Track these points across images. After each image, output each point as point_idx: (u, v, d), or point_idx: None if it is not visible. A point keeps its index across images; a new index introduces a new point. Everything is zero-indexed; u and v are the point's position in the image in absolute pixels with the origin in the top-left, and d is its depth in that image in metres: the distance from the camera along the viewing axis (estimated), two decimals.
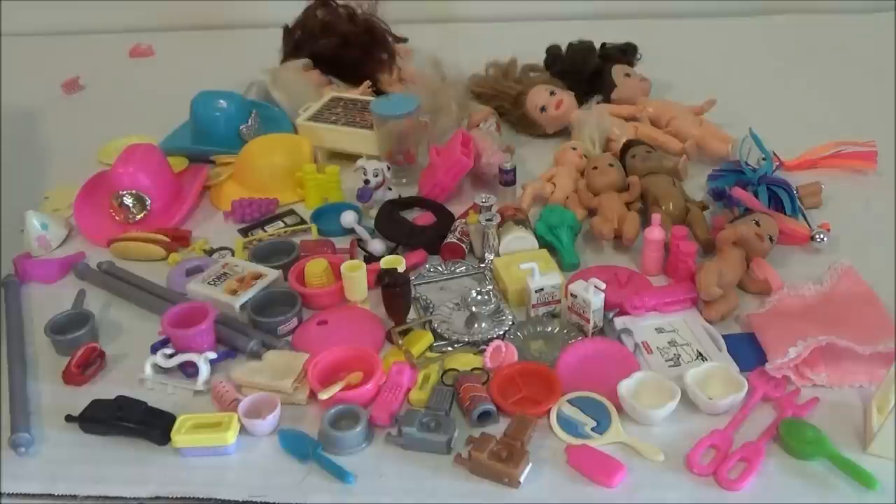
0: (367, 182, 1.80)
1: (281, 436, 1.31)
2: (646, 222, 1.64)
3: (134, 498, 1.24)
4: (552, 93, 2.02)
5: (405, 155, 1.90)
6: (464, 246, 1.66)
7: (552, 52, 2.26)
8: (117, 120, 2.25)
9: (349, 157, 1.90)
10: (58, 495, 1.25)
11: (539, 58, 2.26)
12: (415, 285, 1.58)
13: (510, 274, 1.56)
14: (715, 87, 2.14)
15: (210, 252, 1.73)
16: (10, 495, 1.25)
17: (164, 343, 1.45)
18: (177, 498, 1.24)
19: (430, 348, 1.47)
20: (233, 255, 1.72)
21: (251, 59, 2.28)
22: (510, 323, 1.49)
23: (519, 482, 1.21)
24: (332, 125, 1.97)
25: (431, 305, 1.55)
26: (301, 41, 2.26)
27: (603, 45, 2.26)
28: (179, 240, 1.75)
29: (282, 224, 1.81)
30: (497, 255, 1.63)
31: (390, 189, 1.83)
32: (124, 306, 1.61)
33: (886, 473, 1.20)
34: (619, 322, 1.47)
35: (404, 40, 2.39)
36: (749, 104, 2.14)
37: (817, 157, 1.90)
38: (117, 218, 1.79)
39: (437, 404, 1.32)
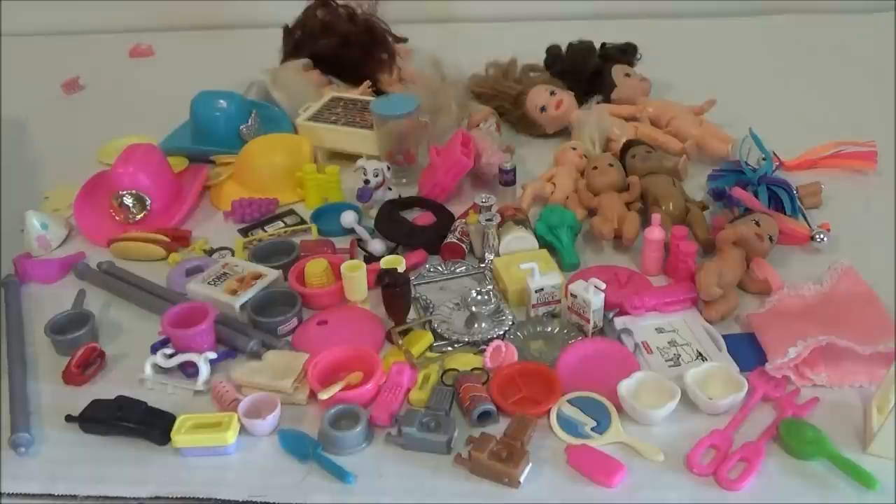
0: (367, 182, 1.80)
1: (281, 436, 1.31)
2: (646, 222, 1.64)
3: (134, 498, 1.24)
4: (552, 93, 2.02)
5: (405, 155, 1.90)
6: (464, 246, 1.66)
7: (552, 52, 2.26)
8: (117, 120, 2.25)
9: (349, 157, 1.90)
10: (58, 495, 1.25)
11: (539, 58, 2.26)
12: (415, 285, 1.58)
13: (510, 274, 1.56)
14: (715, 87, 2.14)
15: (210, 252, 1.73)
16: (10, 495, 1.25)
17: (164, 343, 1.45)
18: (177, 498, 1.24)
19: (430, 348, 1.47)
20: (233, 255, 1.72)
21: (251, 59, 2.28)
22: (510, 323, 1.49)
23: (519, 482, 1.21)
24: (332, 125, 1.97)
25: (431, 305, 1.55)
26: (301, 41, 2.26)
27: (603, 45, 2.26)
28: (179, 240, 1.75)
29: (282, 224, 1.81)
30: (497, 255, 1.63)
31: (390, 189, 1.83)
32: (124, 306, 1.61)
33: (886, 473, 1.20)
34: (619, 322, 1.47)
35: (404, 40, 2.39)
36: (749, 104, 2.14)
37: (817, 157, 1.90)
38: (117, 218, 1.79)
39: (437, 404, 1.32)
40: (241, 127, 1.99)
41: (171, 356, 1.41)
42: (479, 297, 1.49)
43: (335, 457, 1.27)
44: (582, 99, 2.10)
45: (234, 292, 1.54)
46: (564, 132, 2.04)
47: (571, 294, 1.46)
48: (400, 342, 1.45)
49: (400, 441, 1.28)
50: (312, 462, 1.27)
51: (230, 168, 1.93)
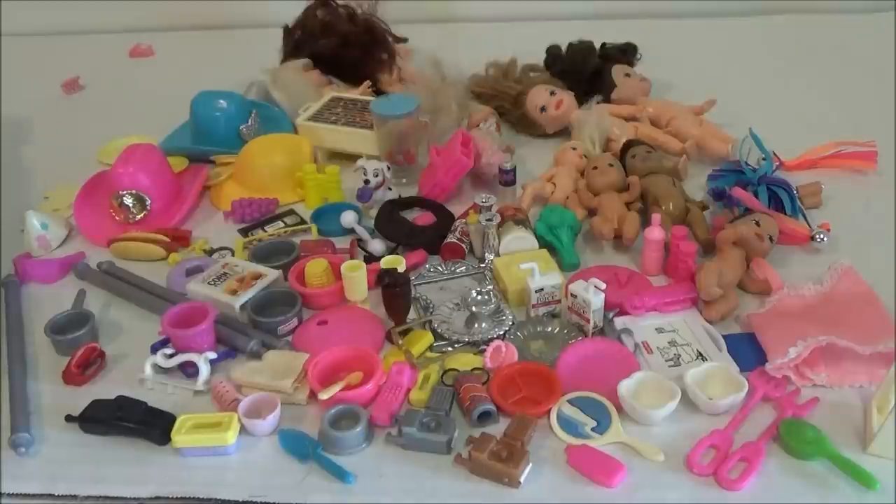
0: (367, 182, 1.80)
1: (281, 436, 1.31)
2: (646, 222, 1.64)
3: (134, 498, 1.24)
4: (552, 93, 2.02)
5: (405, 155, 1.90)
6: (464, 246, 1.66)
7: (552, 52, 2.26)
8: (117, 120, 2.25)
9: (349, 157, 1.90)
10: (58, 495, 1.25)
11: (539, 58, 2.26)
12: (415, 285, 1.58)
13: (510, 274, 1.56)
14: (715, 87, 2.14)
15: (210, 252, 1.73)
16: (10, 495, 1.25)
17: (164, 343, 1.45)
18: (177, 498, 1.23)
19: (430, 348, 1.47)
20: (233, 255, 1.72)
21: (251, 59, 2.28)
22: (510, 323, 1.49)
23: (519, 482, 1.21)
24: (332, 125, 1.97)
25: (431, 305, 1.55)
26: (301, 41, 2.26)
27: (603, 45, 2.26)
28: (179, 240, 1.75)
29: (282, 224, 1.81)
30: (497, 255, 1.63)
31: (390, 189, 1.83)
32: (124, 306, 1.61)
33: (886, 473, 1.20)
34: (619, 322, 1.47)
35: (404, 40, 2.39)
36: (749, 104, 2.14)
37: (817, 157, 1.90)
38: (117, 218, 1.79)
39: (437, 404, 1.32)
40: (241, 127, 1.99)
41: (171, 356, 1.41)
42: (479, 297, 1.49)
43: (335, 457, 1.27)
44: (582, 99, 2.10)
45: (234, 292, 1.54)
46: (564, 132, 2.04)
47: (571, 294, 1.46)
48: (400, 342, 1.45)
49: (400, 441, 1.28)
50: (312, 462, 1.27)
51: (230, 168, 1.93)
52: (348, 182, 1.85)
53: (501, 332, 1.47)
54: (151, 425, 1.31)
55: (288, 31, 2.29)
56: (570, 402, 1.33)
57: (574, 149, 1.89)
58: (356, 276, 1.52)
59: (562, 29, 2.35)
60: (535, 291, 1.48)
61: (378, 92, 2.16)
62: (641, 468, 1.23)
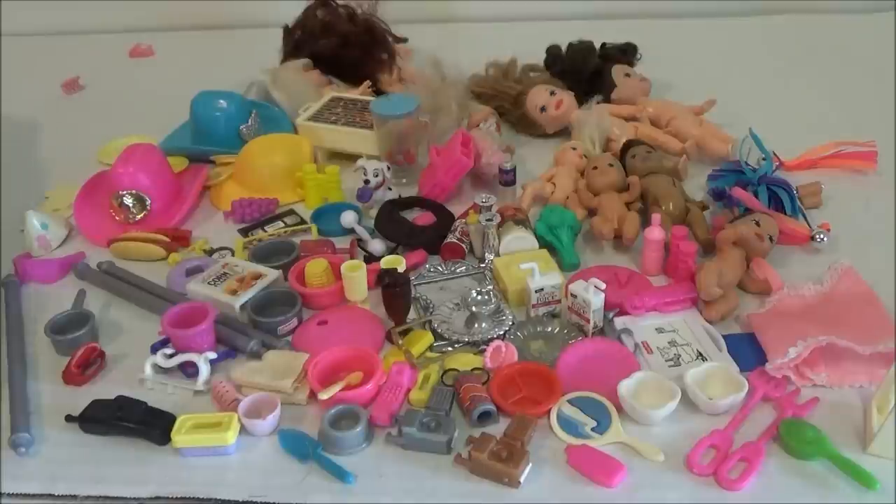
0: (367, 182, 1.80)
1: (281, 436, 1.31)
2: (646, 222, 1.64)
3: (134, 498, 1.24)
4: (552, 93, 2.02)
5: (405, 155, 1.90)
6: (464, 246, 1.66)
7: (552, 52, 2.26)
8: (117, 120, 2.25)
9: (349, 157, 1.90)
10: (58, 495, 1.25)
11: (539, 58, 2.26)
12: (415, 285, 1.58)
13: (510, 274, 1.56)
14: (715, 87, 2.14)
15: (210, 252, 1.73)
16: (10, 495, 1.25)
17: (164, 343, 1.45)
18: (177, 498, 1.23)
19: (430, 348, 1.47)
20: (233, 255, 1.72)
21: (251, 59, 2.28)
22: (510, 323, 1.49)
23: (519, 482, 1.21)
24: (332, 125, 1.97)
25: (431, 305, 1.55)
26: (301, 41, 2.26)
27: (603, 45, 2.26)
28: (179, 240, 1.75)
29: (282, 224, 1.81)
30: (497, 255, 1.63)
31: (390, 189, 1.83)
32: (124, 306, 1.61)
33: (886, 473, 1.20)
34: (619, 322, 1.47)
35: (404, 40, 2.39)
36: (749, 104, 2.14)
37: (817, 157, 1.90)
38: (117, 218, 1.79)
39: (437, 404, 1.32)
40: (241, 127, 1.99)
41: (171, 356, 1.41)
42: (479, 297, 1.49)
43: (335, 457, 1.27)
44: (582, 99, 2.10)
45: (234, 292, 1.54)
46: (564, 132, 2.04)
47: (571, 294, 1.46)
48: (400, 342, 1.45)
49: (400, 441, 1.28)
50: (312, 462, 1.27)
51: (230, 168, 1.93)
52: (348, 182, 1.85)
53: (501, 332, 1.47)
54: (151, 425, 1.31)
55: (288, 31, 2.29)
56: (570, 402, 1.33)
57: (574, 149, 1.89)
58: (356, 276, 1.52)
59: (562, 29, 2.35)
60: (535, 291, 1.48)
61: (378, 92, 2.16)
62: (641, 468, 1.23)
